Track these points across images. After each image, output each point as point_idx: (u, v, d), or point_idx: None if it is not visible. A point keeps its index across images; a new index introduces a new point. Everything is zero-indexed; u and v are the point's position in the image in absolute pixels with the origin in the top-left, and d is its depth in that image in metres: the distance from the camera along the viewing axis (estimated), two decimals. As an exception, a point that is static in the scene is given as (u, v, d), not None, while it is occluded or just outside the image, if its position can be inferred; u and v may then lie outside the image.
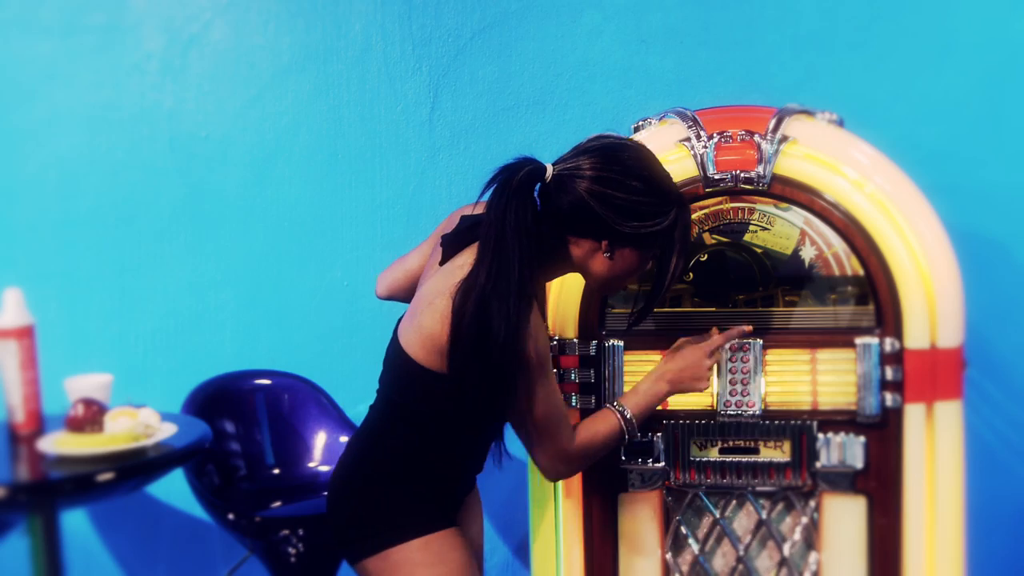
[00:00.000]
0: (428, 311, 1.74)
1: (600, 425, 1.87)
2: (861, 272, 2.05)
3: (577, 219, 1.74)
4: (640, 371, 2.07)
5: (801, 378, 2.06)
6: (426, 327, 1.73)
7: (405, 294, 2.00)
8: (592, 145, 1.76)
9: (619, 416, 1.87)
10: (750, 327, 2.02)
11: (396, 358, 1.82)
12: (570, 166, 1.74)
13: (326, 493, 1.92)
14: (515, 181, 1.70)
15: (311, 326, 2.93)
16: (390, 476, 1.82)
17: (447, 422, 1.81)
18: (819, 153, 2.06)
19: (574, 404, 2.09)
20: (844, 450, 2.04)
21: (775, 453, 2.07)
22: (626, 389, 2.07)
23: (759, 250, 2.16)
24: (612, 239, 1.74)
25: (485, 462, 1.95)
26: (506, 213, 1.69)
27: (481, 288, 1.67)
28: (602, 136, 1.79)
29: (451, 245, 1.82)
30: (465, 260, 1.76)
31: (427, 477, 1.83)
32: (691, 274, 2.18)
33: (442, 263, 1.82)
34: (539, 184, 1.75)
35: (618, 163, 1.72)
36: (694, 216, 2.14)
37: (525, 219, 1.70)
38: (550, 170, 1.75)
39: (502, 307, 1.66)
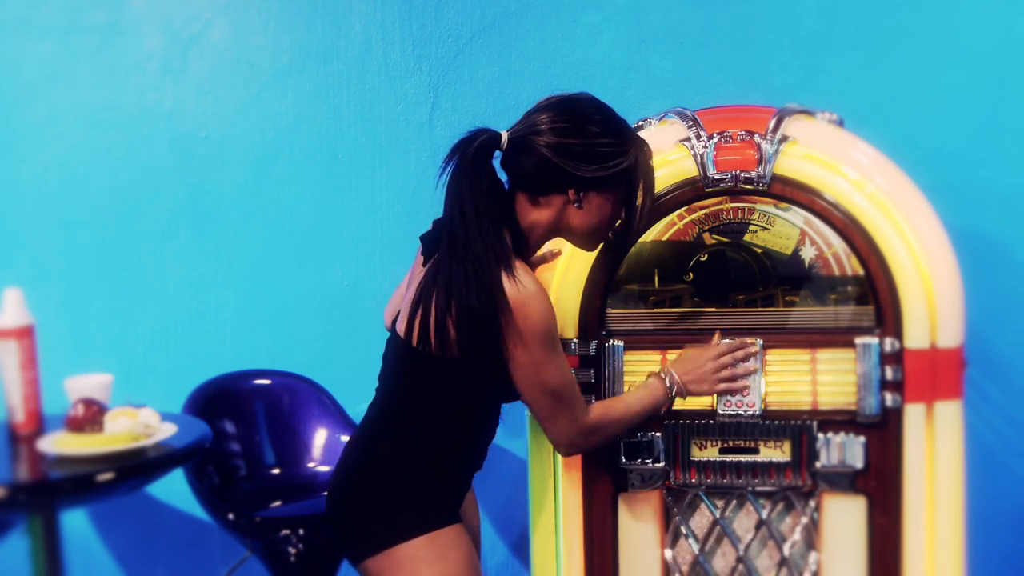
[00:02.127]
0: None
1: (628, 397, 1.98)
2: (861, 272, 2.05)
3: (542, 177, 1.77)
4: (640, 371, 2.08)
5: (801, 378, 2.06)
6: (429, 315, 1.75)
7: None
8: (543, 104, 1.80)
9: (664, 380, 1.98)
10: (756, 349, 2.05)
11: (399, 352, 1.82)
12: (525, 126, 1.78)
13: (326, 493, 1.91)
14: (469, 153, 1.73)
15: (311, 326, 2.93)
16: (394, 472, 1.82)
17: (452, 411, 1.81)
18: (819, 153, 2.06)
19: (574, 404, 2.09)
20: (844, 450, 2.04)
21: (775, 453, 2.07)
22: (626, 388, 2.07)
23: (759, 250, 2.16)
24: (577, 186, 1.77)
25: (485, 460, 1.95)
26: (461, 187, 1.72)
27: (448, 265, 1.71)
28: (552, 95, 1.82)
29: (431, 242, 1.84)
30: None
31: (431, 471, 1.83)
32: (691, 274, 2.18)
33: (425, 263, 1.83)
34: (498, 153, 1.78)
35: (571, 113, 1.77)
36: (694, 216, 2.14)
37: (481, 187, 1.73)
38: (505, 136, 1.78)
39: (475, 279, 1.69)
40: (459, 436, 1.85)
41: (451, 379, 1.77)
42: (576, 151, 1.75)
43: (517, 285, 1.71)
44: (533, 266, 1.97)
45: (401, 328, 1.82)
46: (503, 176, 1.84)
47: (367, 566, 1.81)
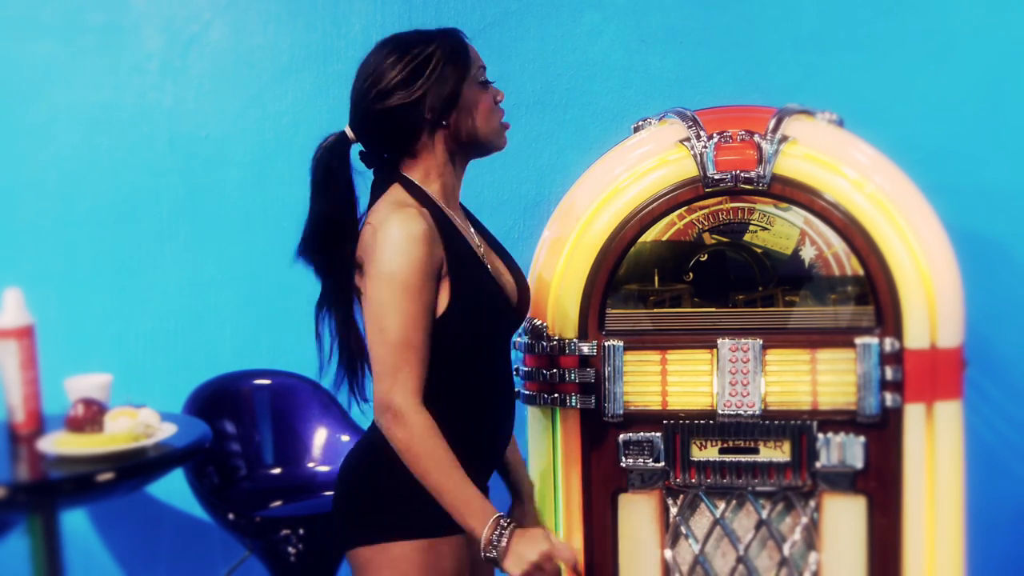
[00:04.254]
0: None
1: (457, 469, 1.65)
2: (861, 272, 2.05)
3: (397, 130, 1.73)
4: (640, 371, 2.08)
5: (801, 378, 2.06)
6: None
7: None
8: (355, 77, 1.78)
9: (494, 521, 1.63)
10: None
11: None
12: (352, 107, 1.77)
13: (338, 476, 1.85)
14: (320, 156, 1.76)
15: (311, 326, 2.92)
16: (398, 464, 1.70)
17: (445, 373, 1.72)
18: (819, 153, 2.06)
19: (574, 404, 2.09)
20: (844, 450, 2.04)
21: (775, 453, 2.07)
22: (626, 389, 2.07)
23: (759, 250, 2.16)
24: (424, 105, 1.72)
25: (497, 453, 1.85)
26: (321, 181, 1.75)
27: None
28: None
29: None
30: None
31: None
32: (691, 274, 2.18)
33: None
34: (351, 148, 1.78)
35: (371, 60, 1.76)
36: (694, 216, 2.15)
37: (340, 176, 1.74)
38: (348, 129, 1.78)
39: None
40: (466, 396, 1.75)
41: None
42: (395, 82, 1.71)
43: (384, 213, 1.68)
44: None
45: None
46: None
47: (358, 554, 1.75)
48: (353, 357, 1.81)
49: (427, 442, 1.64)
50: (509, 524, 1.65)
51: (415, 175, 1.76)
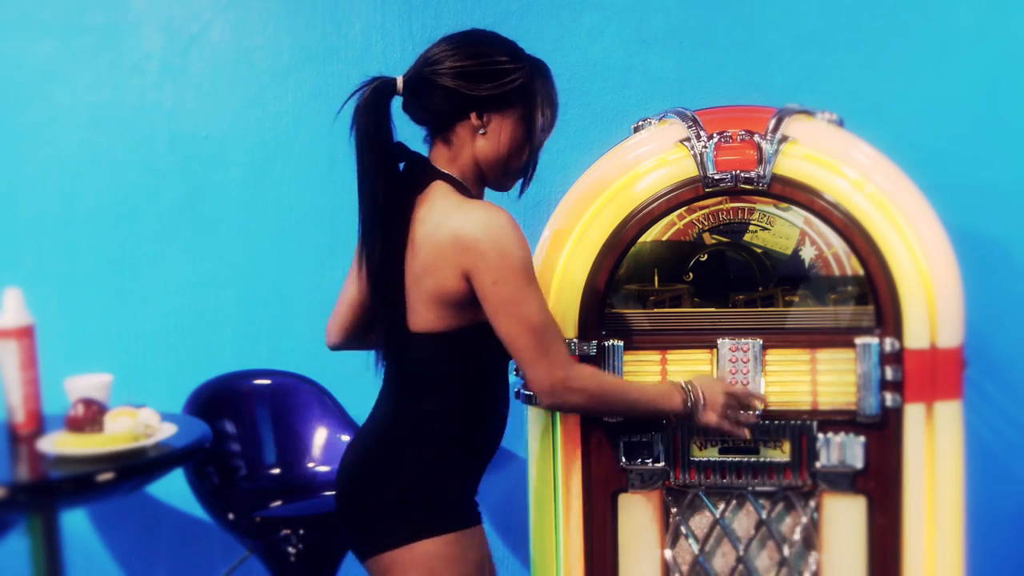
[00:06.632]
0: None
1: (633, 383, 1.91)
2: (861, 272, 2.05)
3: (441, 110, 1.76)
4: (640, 371, 2.08)
5: (801, 378, 2.06)
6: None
7: (356, 329, 1.97)
8: (434, 42, 1.81)
9: (684, 391, 1.88)
10: (759, 408, 2.02)
11: (398, 341, 1.80)
12: (418, 65, 1.79)
13: (334, 491, 1.84)
14: (363, 99, 1.77)
15: (311, 326, 2.92)
16: (416, 454, 1.75)
17: (466, 377, 1.77)
18: (819, 153, 2.06)
19: (574, 404, 2.09)
20: (844, 450, 2.04)
21: (775, 453, 2.07)
22: (626, 389, 2.07)
23: (759, 250, 2.16)
24: (478, 108, 1.75)
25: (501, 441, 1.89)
26: (361, 130, 1.76)
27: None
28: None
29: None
30: None
31: (455, 448, 1.77)
32: (691, 274, 2.18)
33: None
34: (395, 99, 1.80)
35: (461, 39, 1.79)
36: (693, 216, 2.14)
37: (386, 133, 1.77)
38: (400, 80, 1.79)
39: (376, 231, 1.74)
40: (480, 401, 1.80)
41: (455, 345, 1.75)
42: (470, 72, 1.74)
43: (481, 209, 1.70)
44: None
45: (411, 322, 1.78)
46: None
47: (381, 560, 1.74)
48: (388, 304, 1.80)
49: (603, 387, 1.80)
50: (689, 384, 1.88)
51: (449, 164, 1.80)
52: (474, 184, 1.82)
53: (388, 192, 1.76)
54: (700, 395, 1.88)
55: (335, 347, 2.03)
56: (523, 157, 1.83)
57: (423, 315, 1.75)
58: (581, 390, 1.75)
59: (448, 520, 1.74)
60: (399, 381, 1.83)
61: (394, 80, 1.79)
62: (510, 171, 1.83)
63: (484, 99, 1.75)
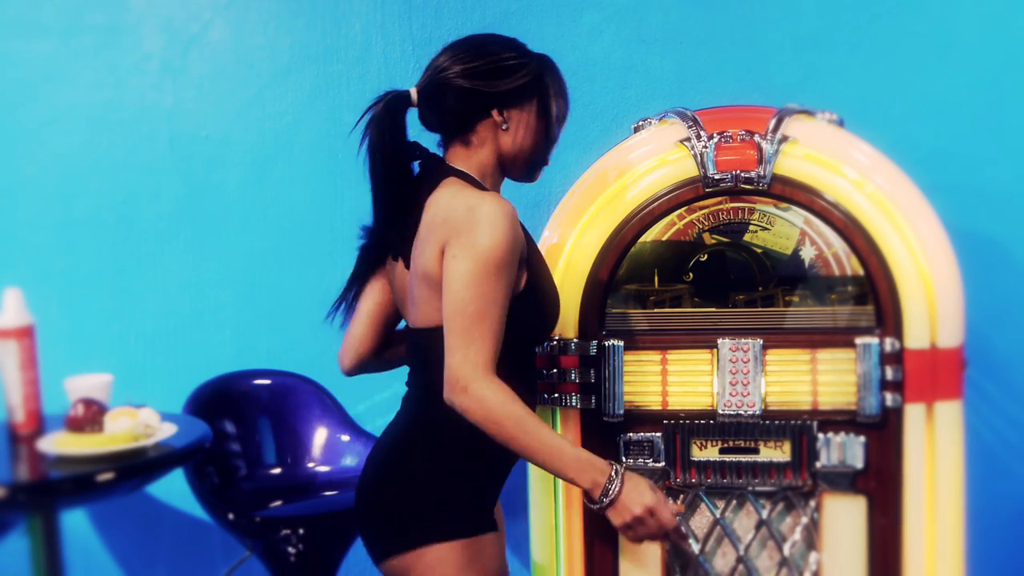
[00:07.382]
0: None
1: (547, 428, 1.66)
2: (861, 272, 2.06)
3: (463, 109, 1.79)
4: (640, 371, 2.08)
5: (801, 378, 2.06)
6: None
7: (373, 346, 1.97)
8: (440, 50, 1.84)
9: (611, 470, 1.66)
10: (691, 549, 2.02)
11: (419, 341, 1.79)
12: (429, 72, 1.82)
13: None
14: (376, 114, 1.79)
15: (311, 326, 2.92)
16: (429, 463, 1.74)
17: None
18: (819, 153, 2.06)
19: (574, 404, 2.09)
20: (844, 450, 2.04)
21: (775, 453, 2.07)
22: (626, 389, 2.07)
23: (759, 250, 2.16)
24: (498, 105, 1.78)
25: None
26: (375, 144, 1.78)
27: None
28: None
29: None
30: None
31: (463, 458, 1.74)
32: (691, 274, 2.18)
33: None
34: (410, 108, 1.82)
35: (467, 43, 1.83)
36: (693, 216, 2.15)
37: (396, 141, 1.79)
38: (413, 91, 1.82)
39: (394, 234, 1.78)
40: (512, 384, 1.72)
41: None
42: (483, 71, 1.77)
43: (475, 195, 1.71)
44: None
45: (414, 318, 1.79)
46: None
47: (395, 564, 1.73)
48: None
49: (505, 407, 1.61)
50: (618, 473, 1.65)
51: (469, 162, 1.82)
52: (491, 180, 1.84)
53: (403, 196, 1.80)
54: (618, 492, 1.65)
55: (349, 372, 2.03)
56: (544, 147, 1.86)
57: (423, 308, 1.75)
58: (479, 399, 1.60)
59: (459, 526, 1.71)
60: (414, 380, 1.84)
61: (407, 92, 1.81)
62: (534, 162, 1.86)
63: (503, 95, 1.78)
